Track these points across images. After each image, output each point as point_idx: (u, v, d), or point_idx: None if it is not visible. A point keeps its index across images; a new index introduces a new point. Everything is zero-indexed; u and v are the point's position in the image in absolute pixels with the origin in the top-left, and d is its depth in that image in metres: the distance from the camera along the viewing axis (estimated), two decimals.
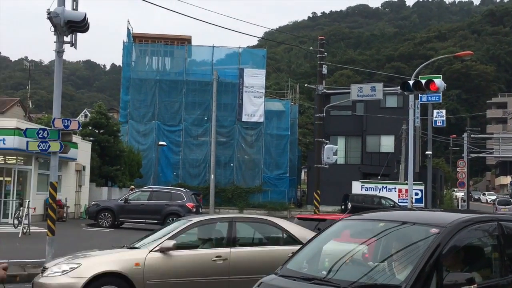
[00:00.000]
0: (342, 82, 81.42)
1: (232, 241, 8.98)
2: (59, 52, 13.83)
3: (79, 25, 13.57)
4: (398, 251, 4.67)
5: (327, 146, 21.87)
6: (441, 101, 44.71)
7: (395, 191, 40.92)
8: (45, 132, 13.70)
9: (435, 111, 46.37)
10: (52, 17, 13.07)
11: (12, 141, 24.21)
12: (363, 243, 5.01)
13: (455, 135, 57.93)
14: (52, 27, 13.44)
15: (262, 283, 4.74)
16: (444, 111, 48.70)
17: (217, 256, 8.67)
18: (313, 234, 9.68)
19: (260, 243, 9.64)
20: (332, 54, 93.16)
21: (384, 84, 23.13)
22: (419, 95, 32.86)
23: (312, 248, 5.14)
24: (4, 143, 24.44)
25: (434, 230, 4.43)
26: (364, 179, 43.90)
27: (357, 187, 41.01)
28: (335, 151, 22.23)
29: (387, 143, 48.90)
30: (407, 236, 4.78)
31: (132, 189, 31.12)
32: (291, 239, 9.19)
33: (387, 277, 4.39)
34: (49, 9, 13.16)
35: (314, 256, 5.07)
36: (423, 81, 18.84)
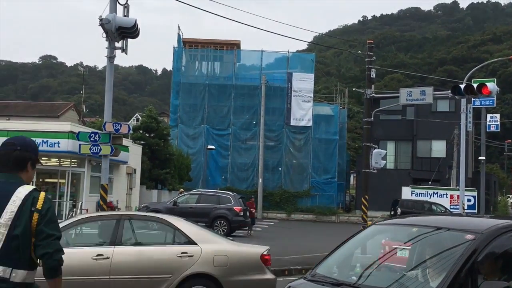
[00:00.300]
0: (393, 86, 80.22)
1: (117, 240, 8.55)
2: (111, 57, 14.23)
3: (130, 31, 13.93)
4: (431, 258, 4.55)
5: (375, 150, 21.56)
6: (495, 105, 43.62)
7: (447, 197, 40.11)
8: (97, 135, 14.09)
9: (488, 116, 45.20)
10: (103, 23, 13.46)
11: (66, 144, 24.99)
12: (395, 249, 4.90)
13: (510, 140, 56.27)
14: (104, 33, 13.85)
15: (289, 286, 4.71)
16: (498, 115, 47.41)
17: (98, 255, 8.28)
18: (209, 233, 9.26)
19: (149, 242, 9.09)
20: (383, 58, 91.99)
21: (436, 88, 22.71)
22: (472, 99, 32.18)
23: (343, 252, 5.07)
24: (58, 146, 25.25)
25: (469, 236, 4.26)
26: (414, 184, 43.21)
27: (407, 193, 40.40)
28: (383, 156, 21.91)
29: (438, 148, 47.98)
30: (440, 242, 4.64)
31: (181, 192, 31.53)
32: (185, 239, 8.74)
33: (419, 284, 4.28)
34: (101, 16, 13.56)
35: (345, 260, 5.00)
36: (475, 85, 18.40)
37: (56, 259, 3.45)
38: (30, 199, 3.41)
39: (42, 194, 3.47)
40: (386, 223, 5.54)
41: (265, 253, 8.88)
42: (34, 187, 3.51)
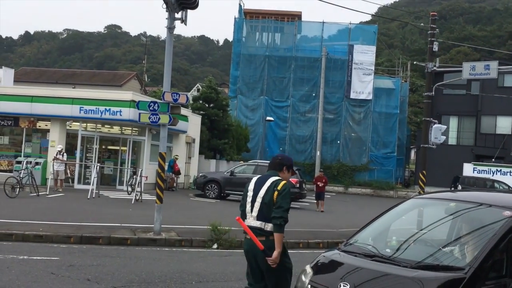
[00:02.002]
0: (459, 59, 77.69)
1: None
2: (170, 28, 14.38)
3: (189, 2, 14.02)
4: (466, 233, 4.49)
5: (435, 125, 21.14)
6: None
7: (511, 175, 38.92)
8: (156, 105, 14.35)
9: None
10: None
11: (128, 113, 25.61)
12: (432, 223, 4.84)
13: None
14: (164, 4, 14.00)
15: (323, 256, 4.75)
16: None
17: None
18: None
19: None
20: (450, 30, 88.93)
21: (504, 62, 21.95)
22: None
23: (379, 225, 5.06)
24: (120, 115, 25.90)
25: (507, 213, 4.16)
26: (476, 161, 42.08)
27: (468, 169, 39.45)
28: (443, 131, 21.47)
29: (503, 125, 46.35)
30: (477, 218, 4.55)
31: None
32: None
33: (454, 259, 4.22)
34: None
35: (380, 233, 4.99)
36: None
37: (279, 221, 5.48)
38: (274, 183, 5.70)
39: (283, 182, 5.74)
40: (425, 197, 5.50)
41: None
42: (279, 178, 5.82)
